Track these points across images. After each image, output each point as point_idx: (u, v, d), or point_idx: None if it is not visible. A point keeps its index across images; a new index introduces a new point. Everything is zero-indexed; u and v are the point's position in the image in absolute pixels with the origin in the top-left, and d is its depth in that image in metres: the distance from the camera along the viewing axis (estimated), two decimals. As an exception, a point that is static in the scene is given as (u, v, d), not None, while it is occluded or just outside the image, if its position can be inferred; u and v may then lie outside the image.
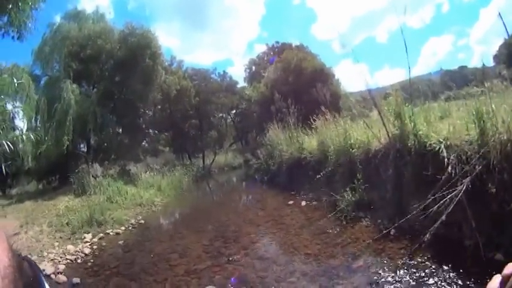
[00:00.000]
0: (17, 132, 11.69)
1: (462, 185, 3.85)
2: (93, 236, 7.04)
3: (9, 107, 11.13)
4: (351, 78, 50.44)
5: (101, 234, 7.13)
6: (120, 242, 6.67)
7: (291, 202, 8.04)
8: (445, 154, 4.26)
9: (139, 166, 16.10)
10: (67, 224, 7.59)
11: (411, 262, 3.94)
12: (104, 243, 6.68)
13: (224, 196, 12.99)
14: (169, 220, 9.25)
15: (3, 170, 11.77)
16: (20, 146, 10.92)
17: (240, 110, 24.01)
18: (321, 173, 7.20)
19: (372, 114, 11.81)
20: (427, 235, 4.02)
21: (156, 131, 18.50)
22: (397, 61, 76.36)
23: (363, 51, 71.27)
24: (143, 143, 16.61)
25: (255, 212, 8.08)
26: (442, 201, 3.99)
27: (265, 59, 24.77)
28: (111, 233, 7.32)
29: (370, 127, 6.25)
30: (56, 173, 12.47)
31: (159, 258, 5.50)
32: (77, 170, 10.74)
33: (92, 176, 10.42)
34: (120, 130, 14.68)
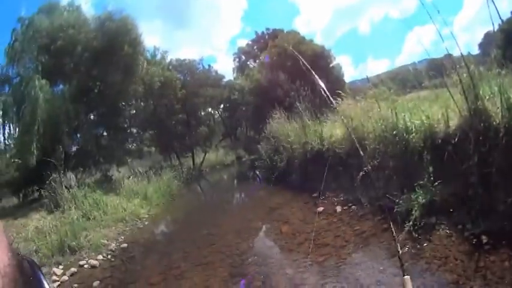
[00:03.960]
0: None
1: None
2: (65, 270, 5.47)
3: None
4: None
5: (73, 269, 5.48)
6: (96, 285, 4.90)
7: (320, 209, 6.33)
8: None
9: (123, 170, 14.18)
10: (36, 251, 6.01)
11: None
12: (75, 286, 4.95)
13: (226, 203, 11.18)
14: (159, 243, 7.25)
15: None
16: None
17: (229, 105, 22.29)
18: (365, 168, 5.59)
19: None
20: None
21: (140, 130, 16.34)
22: (380, 52, 75.99)
23: (346, 43, 70.16)
24: (126, 144, 14.56)
25: (276, 227, 6.11)
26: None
27: (255, 47, 22.97)
28: (85, 266, 5.65)
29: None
30: (32, 184, 10.60)
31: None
32: (48, 181, 8.83)
33: (65, 187, 8.46)
34: (99, 131, 12.74)
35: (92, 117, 12.44)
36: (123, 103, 13.40)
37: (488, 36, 25.60)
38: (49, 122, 9.92)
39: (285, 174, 9.54)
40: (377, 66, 69.45)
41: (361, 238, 4.66)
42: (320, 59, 14.67)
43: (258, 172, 12.36)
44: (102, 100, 12.00)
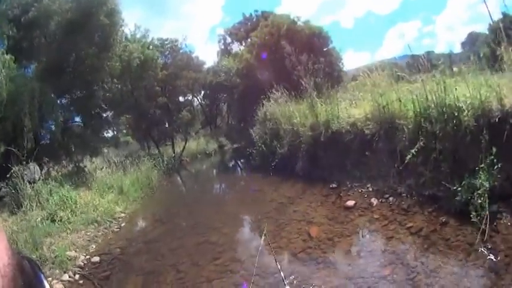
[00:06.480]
0: None
1: None
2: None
3: None
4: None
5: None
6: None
7: (350, 202, 5.27)
8: None
9: (98, 161, 12.66)
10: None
11: None
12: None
13: (218, 197, 9.96)
14: (141, 256, 5.39)
15: None
16: None
17: (210, 92, 21.12)
18: (412, 151, 4.63)
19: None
20: None
21: (115, 116, 14.55)
22: (361, 45, 76.72)
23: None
24: (101, 132, 12.91)
25: (301, 230, 4.73)
26: None
27: (242, 30, 21.59)
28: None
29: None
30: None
31: None
32: (8, 175, 7.33)
33: (28, 182, 6.95)
34: (72, 117, 11.53)
35: (63, 101, 11.07)
36: (98, 85, 11.76)
37: (471, 35, 26.24)
38: (12, 104, 8.51)
39: (287, 161, 8.49)
40: (357, 59, 70.17)
41: (421, 238, 3.71)
42: (317, 40, 13.68)
43: (251, 160, 11.24)
44: (75, 81, 10.64)
